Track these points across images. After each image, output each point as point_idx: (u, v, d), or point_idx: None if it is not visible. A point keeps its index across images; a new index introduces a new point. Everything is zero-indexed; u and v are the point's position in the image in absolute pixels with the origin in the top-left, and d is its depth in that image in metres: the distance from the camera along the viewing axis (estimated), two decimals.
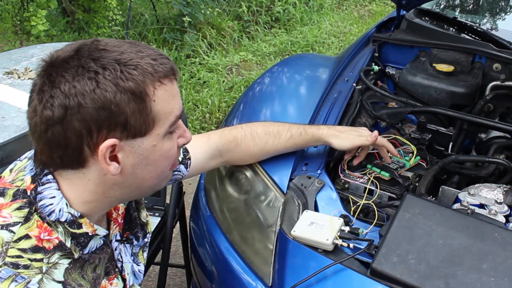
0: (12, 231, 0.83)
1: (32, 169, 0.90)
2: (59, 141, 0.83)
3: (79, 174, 0.87)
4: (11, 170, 0.93)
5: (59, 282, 0.85)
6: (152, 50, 0.88)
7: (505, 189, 1.29)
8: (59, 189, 0.88)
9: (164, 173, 0.96)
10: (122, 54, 0.84)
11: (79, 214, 0.89)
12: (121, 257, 1.05)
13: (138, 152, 0.87)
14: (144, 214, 1.15)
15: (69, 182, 0.88)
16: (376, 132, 1.39)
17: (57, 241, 0.87)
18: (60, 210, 0.87)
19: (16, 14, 4.09)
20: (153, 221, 1.73)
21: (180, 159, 1.28)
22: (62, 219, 0.87)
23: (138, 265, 1.11)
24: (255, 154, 1.41)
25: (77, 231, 0.89)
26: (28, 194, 0.87)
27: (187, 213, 1.89)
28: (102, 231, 0.95)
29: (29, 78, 2.44)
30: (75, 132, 0.82)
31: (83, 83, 0.80)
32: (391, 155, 1.45)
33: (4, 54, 2.75)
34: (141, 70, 0.84)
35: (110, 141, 0.83)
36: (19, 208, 0.86)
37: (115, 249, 1.04)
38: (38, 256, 0.84)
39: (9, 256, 0.81)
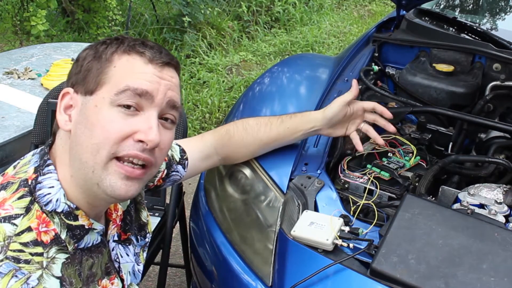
0: (14, 224, 0.83)
1: (36, 161, 0.91)
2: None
3: (58, 142, 0.92)
4: (14, 167, 0.94)
5: (57, 277, 0.85)
6: (158, 45, 0.93)
7: (505, 189, 1.29)
8: (58, 180, 0.89)
9: (100, 151, 0.86)
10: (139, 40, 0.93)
11: (75, 206, 0.90)
12: (118, 257, 1.05)
13: (83, 110, 0.89)
14: (145, 214, 1.15)
15: (60, 160, 0.91)
16: (354, 80, 1.39)
17: (53, 233, 0.87)
18: (57, 200, 0.88)
19: (16, 14, 4.10)
20: (153, 221, 1.73)
21: (177, 159, 1.28)
22: (59, 210, 0.88)
23: (138, 265, 1.12)
24: (248, 144, 1.39)
25: (73, 223, 0.90)
26: (29, 183, 0.88)
27: (187, 213, 1.89)
28: (98, 226, 0.95)
29: (29, 78, 2.45)
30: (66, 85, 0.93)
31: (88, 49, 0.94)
32: (389, 156, 1.45)
33: (4, 54, 2.75)
34: (122, 44, 0.91)
35: (67, 89, 0.91)
36: (20, 197, 0.86)
37: (112, 250, 1.04)
38: (39, 250, 0.84)
39: (11, 250, 0.81)
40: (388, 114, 1.41)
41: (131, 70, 0.88)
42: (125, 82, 0.87)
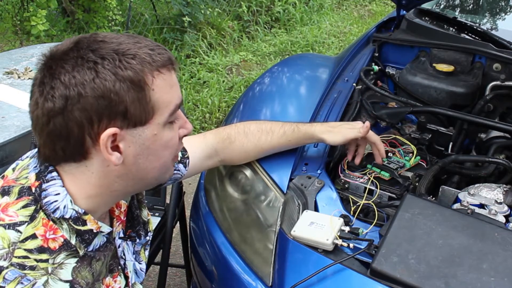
0: (19, 231, 0.83)
1: (36, 166, 0.90)
2: (61, 133, 0.83)
3: (82, 168, 0.88)
4: (13, 169, 0.94)
5: (66, 281, 0.85)
6: (150, 41, 0.89)
7: (505, 189, 1.29)
8: (63, 186, 0.88)
9: (167, 164, 0.96)
10: (120, 45, 0.85)
11: (83, 211, 0.89)
12: (124, 254, 1.06)
13: (140, 142, 0.88)
14: (145, 212, 1.15)
15: (72, 177, 0.89)
16: (367, 123, 1.38)
17: (62, 240, 0.87)
18: (64, 207, 0.87)
19: (16, 14, 4.10)
20: (153, 221, 1.73)
21: (179, 158, 1.28)
22: (67, 216, 0.87)
23: (140, 263, 1.12)
24: (249, 150, 1.41)
25: (82, 228, 0.90)
26: (33, 191, 0.87)
27: (187, 213, 1.89)
28: (106, 228, 0.95)
29: (29, 78, 2.45)
30: (76, 123, 0.83)
31: (82, 73, 0.81)
32: (389, 156, 1.45)
33: (4, 54, 2.75)
34: (139, 60, 0.85)
35: (111, 130, 0.84)
36: (25, 206, 0.86)
37: (118, 246, 1.04)
38: (44, 256, 0.84)
39: (16, 257, 0.81)
40: (383, 155, 1.43)
41: (167, 86, 0.89)
42: (171, 101, 0.90)
